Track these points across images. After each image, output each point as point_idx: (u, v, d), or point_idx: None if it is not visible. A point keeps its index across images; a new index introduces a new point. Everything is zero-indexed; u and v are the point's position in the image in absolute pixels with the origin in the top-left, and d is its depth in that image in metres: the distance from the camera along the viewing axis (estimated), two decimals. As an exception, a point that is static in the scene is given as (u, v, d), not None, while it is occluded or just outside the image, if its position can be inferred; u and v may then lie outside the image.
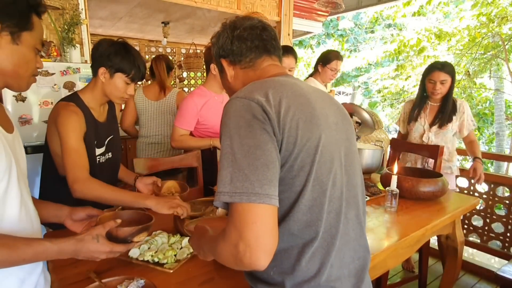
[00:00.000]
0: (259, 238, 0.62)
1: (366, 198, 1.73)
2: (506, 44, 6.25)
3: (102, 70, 1.33)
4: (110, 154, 1.49)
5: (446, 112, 2.27)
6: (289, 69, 2.17)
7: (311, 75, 2.74)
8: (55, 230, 1.30)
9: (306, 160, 0.71)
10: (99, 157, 1.42)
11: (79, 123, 1.29)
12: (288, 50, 2.19)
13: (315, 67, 2.72)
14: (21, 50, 0.80)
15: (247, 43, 0.86)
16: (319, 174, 0.73)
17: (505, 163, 7.42)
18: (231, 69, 0.90)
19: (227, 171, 0.66)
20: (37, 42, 0.84)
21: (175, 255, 1.12)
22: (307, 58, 11.21)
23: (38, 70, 0.89)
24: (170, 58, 5.87)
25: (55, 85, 2.36)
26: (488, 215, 2.80)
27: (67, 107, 1.29)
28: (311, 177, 0.71)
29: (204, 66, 2.06)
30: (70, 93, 2.30)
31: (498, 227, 2.78)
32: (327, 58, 2.58)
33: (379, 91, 10.17)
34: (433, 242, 2.91)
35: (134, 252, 1.12)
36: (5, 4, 0.76)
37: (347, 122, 0.87)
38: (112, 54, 1.31)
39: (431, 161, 2.26)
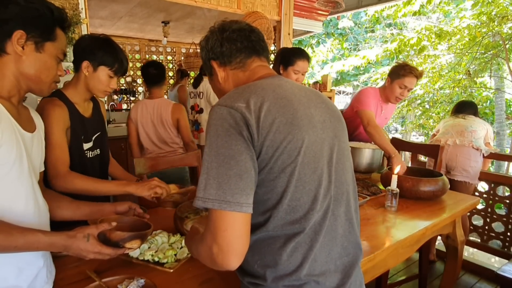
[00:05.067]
0: (230, 243, 0.68)
1: (366, 197, 1.74)
2: (507, 44, 6.23)
3: (85, 63, 1.34)
4: (98, 150, 1.50)
5: None
6: (302, 73, 2.15)
7: None
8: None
9: (287, 161, 0.73)
10: (87, 152, 1.43)
11: (63, 117, 1.29)
12: (303, 55, 2.15)
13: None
14: (44, 58, 0.89)
15: (237, 44, 0.88)
16: (303, 175, 0.74)
17: (506, 163, 7.41)
18: (222, 71, 0.91)
19: (203, 177, 0.70)
20: (59, 52, 0.93)
21: (175, 255, 1.12)
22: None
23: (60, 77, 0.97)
24: (171, 58, 5.91)
25: (55, 84, 2.36)
26: (489, 215, 2.81)
27: (51, 101, 1.29)
28: (293, 178, 0.73)
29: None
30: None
31: (498, 226, 2.78)
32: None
33: (379, 91, 10.14)
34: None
35: (134, 252, 1.12)
36: (32, 17, 0.85)
37: (335, 119, 0.88)
38: (96, 48, 1.33)
39: None
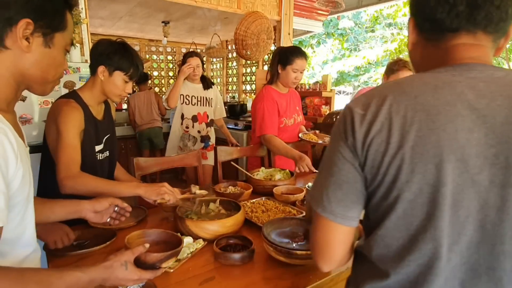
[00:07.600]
0: (320, 248, 0.68)
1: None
2: (507, 43, 6.24)
3: (101, 68, 1.35)
4: (107, 153, 1.50)
5: None
6: (301, 71, 2.14)
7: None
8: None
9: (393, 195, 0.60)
10: (97, 154, 1.44)
11: (79, 120, 1.31)
12: (301, 52, 2.13)
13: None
14: (52, 54, 0.73)
15: (456, 5, 0.56)
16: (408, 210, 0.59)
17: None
18: (416, 34, 0.65)
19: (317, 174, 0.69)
20: (68, 42, 0.77)
21: (175, 255, 1.12)
22: (307, 57, 11.22)
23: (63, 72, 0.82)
24: (171, 57, 5.91)
25: (55, 84, 2.36)
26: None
27: (68, 103, 1.30)
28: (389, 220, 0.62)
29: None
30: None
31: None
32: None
33: (379, 91, 10.15)
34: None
35: (134, 252, 1.11)
36: (40, 1, 0.67)
37: None
38: (112, 53, 1.34)
39: None
